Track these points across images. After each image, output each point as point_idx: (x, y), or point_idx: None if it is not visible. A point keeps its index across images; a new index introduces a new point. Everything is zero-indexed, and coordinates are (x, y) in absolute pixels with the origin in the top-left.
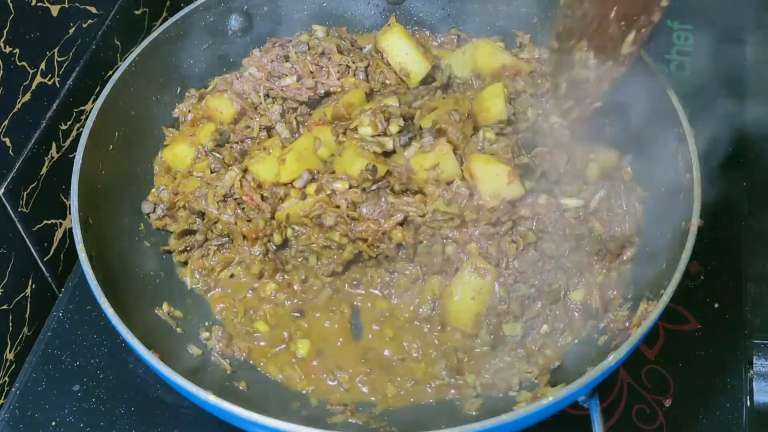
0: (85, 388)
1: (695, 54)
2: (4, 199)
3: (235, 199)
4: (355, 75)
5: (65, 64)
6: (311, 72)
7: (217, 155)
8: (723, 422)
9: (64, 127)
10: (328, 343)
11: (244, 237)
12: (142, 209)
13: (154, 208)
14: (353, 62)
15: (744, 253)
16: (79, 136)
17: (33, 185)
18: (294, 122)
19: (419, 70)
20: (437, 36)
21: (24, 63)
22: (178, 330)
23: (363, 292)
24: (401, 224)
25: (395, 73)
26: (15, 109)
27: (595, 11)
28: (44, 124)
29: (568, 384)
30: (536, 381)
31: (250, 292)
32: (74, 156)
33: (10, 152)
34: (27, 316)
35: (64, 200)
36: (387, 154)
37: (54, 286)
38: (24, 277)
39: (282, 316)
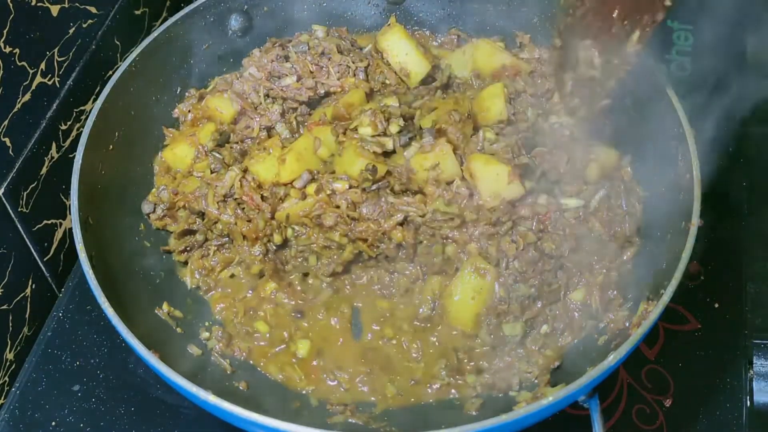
0: (85, 388)
1: (695, 54)
2: (4, 199)
3: (235, 199)
4: (355, 75)
5: (65, 64)
6: (311, 72)
7: (217, 155)
8: (723, 422)
9: (64, 127)
10: (328, 343)
11: (244, 237)
12: (142, 209)
13: (154, 208)
14: (353, 62)
15: (744, 253)
16: (79, 136)
17: (33, 185)
18: (294, 122)
19: (419, 70)
20: (437, 36)
21: (24, 63)
22: (178, 330)
23: (363, 292)
24: (401, 224)
25: (395, 73)
26: (15, 109)
27: (596, 11)
28: (44, 124)
29: (568, 384)
30: (536, 381)
31: (250, 292)
32: (74, 156)
33: (10, 152)
34: (27, 316)
35: (64, 200)
36: (387, 154)
37: (54, 286)
38: (24, 277)
39: (282, 316)
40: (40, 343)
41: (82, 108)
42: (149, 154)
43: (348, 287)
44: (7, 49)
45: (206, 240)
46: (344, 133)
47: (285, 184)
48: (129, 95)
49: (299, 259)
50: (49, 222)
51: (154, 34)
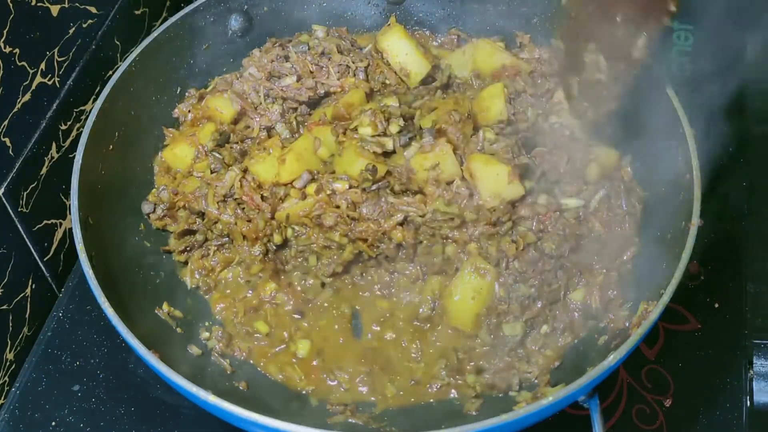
0: (85, 388)
1: (695, 54)
2: (4, 199)
3: (235, 199)
4: (355, 75)
5: (65, 64)
6: (311, 72)
7: (217, 155)
8: (723, 422)
9: (64, 127)
10: (329, 343)
11: (244, 237)
12: (142, 209)
13: (154, 208)
14: (353, 62)
15: (744, 253)
16: (79, 136)
17: (33, 185)
18: (294, 122)
19: (419, 70)
20: (437, 36)
21: (24, 63)
22: (178, 330)
23: (363, 292)
24: (401, 224)
25: (395, 73)
26: (15, 109)
27: (599, 14)
28: (44, 124)
29: (568, 384)
30: (536, 381)
31: (250, 292)
32: (74, 156)
33: (10, 152)
34: (27, 316)
35: (64, 200)
36: (387, 154)
37: (54, 286)
38: (24, 277)
39: (282, 316)
40: (40, 343)
41: (82, 108)
42: (149, 154)
43: (348, 287)
44: (7, 49)
45: (206, 240)
46: (344, 133)
47: (285, 184)
48: (129, 95)
49: (299, 260)
50: (49, 222)
51: (154, 34)
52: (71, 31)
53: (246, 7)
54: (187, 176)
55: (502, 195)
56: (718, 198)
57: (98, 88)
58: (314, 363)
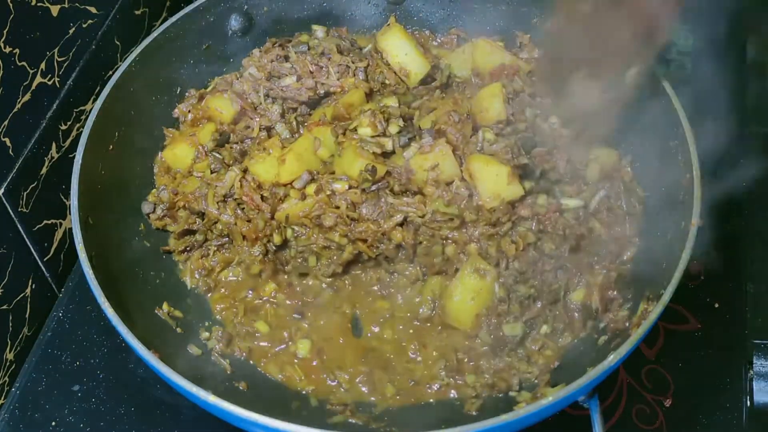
0: (85, 388)
1: (695, 54)
2: (4, 199)
3: (235, 199)
4: (354, 75)
5: (65, 64)
6: (311, 72)
7: (217, 155)
8: (723, 422)
9: (64, 127)
10: (329, 343)
11: (244, 237)
12: (142, 209)
13: (154, 208)
14: (353, 62)
15: (744, 253)
16: (79, 136)
17: (33, 185)
18: (294, 122)
19: (419, 70)
20: (437, 36)
21: (24, 63)
22: (178, 330)
23: (363, 292)
24: (401, 225)
25: (395, 73)
26: (15, 109)
27: (588, 44)
28: (44, 124)
29: (568, 384)
30: (536, 381)
31: (250, 292)
32: (74, 156)
33: (10, 152)
34: (27, 316)
35: (64, 200)
36: (386, 155)
37: (54, 286)
38: (24, 277)
39: (282, 316)
40: (40, 343)
41: (82, 108)
42: (149, 154)
43: (348, 287)
44: (7, 49)
45: (206, 240)
46: (344, 134)
47: (285, 185)
48: (129, 95)
49: (299, 260)
50: (49, 222)
51: (154, 34)
52: (71, 31)
53: (246, 7)
54: (187, 176)
55: (501, 195)
56: (718, 198)
57: (98, 88)
58: (314, 363)
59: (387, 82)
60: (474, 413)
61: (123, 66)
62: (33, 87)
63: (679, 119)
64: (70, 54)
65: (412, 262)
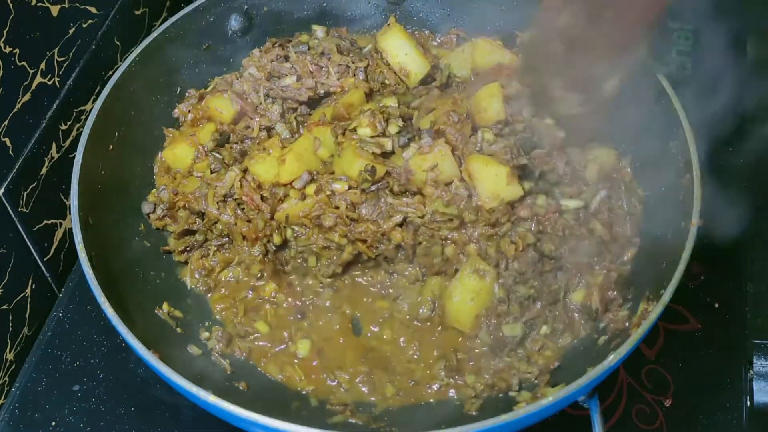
0: (85, 388)
1: (695, 54)
2: (4, 199)
3: (235, 199)
4: (354, 75)
5: (65, 64)
6: (311, 72)
7: (217, 155)
8: (723, 422)
9: (64, 127)
10: (329, 343)
11: (244, 237)
12: (142, 209)
13: (154, 208)
14: (353, 62)
15: (744, 253)
16: (79, 136)
17: (33, 185)
18: (294, 122)
19: (418, 70)
20: (437, 36)
21: (24, 63)
22: (178, 330)
23: (363, 292)
24: (400, 225)
25: (395, 73)
26: (15, 109)
27: (566, 56)
28: (44, 124)
29: (568, 384)
30: (536, 381)
31: (250, 292)
32: (74, 156)
33: (10, 152)
34: (27, 316)
35: (64, 200)
36: (386, 155)
37: (54, 286)
38: (24, 277)
39: (282, 316)
40: (40, 343)
41: (82, 108)
42: (149, 154)
43: (348, 288)
44: (7, 49)
45: (206, 240)
46: (343, 134)
47: (284, 185)
48: (129, 95)
49: (299, 260)
50: (49, 222)
51: (154, 34)
52: (71, 31)
53: (246, 7)
54: (187, 176)
55: (501, 196)
56: (718, 198)
57: (98, 88)
58: (314, 363)
59: (387, 82)
60: (474, 413)
61: (123, 66)
62: (33, 87)
63: (679, 119)
64: (70, 54)
65: (412, 263)
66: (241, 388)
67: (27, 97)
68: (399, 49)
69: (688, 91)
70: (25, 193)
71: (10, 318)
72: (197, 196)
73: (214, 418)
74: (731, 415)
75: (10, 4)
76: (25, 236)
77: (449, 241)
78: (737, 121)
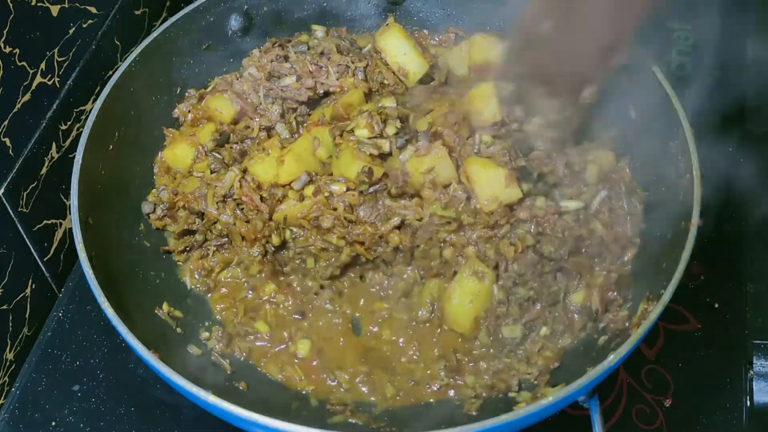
0: (85, 388)
1: (695, 54)
2: (4, 199)
3: (235, 199)
4: (354, 75)
5: (65, 64)
6: (311, 72)
7: (217, 155)
8: (723, 422)
9: (64, 127)
10: (329, 343)
11: (243, 238)
12: (142, 209)
13: (154, 208)
14: (352, 62)
15: (744, 253)
16: (79, 136)
17: (33, 185)
18: (294, 122)
19: (417, 70)
20: (436, 36)
21: (24, 63)
22: (178, 330)
23: (361, 294)
24: (398, 228)
25: (393, 73)
26: (15, 109)
27: (544, 65)
28: (44, 124)
29: (568, 384)
30: (536, 382)
31: (250, 292)
32: (74, 156)
33: (10, 152)
34: (27, 316)
35: (64, 200)
36: (384, 157)
37: (54, 286)
38: (24, 277)
39: (282, 317)
40: (40, 343)
41: (82, 108)
42: (149, 154)
43: (347, 289)
44: (7, 49)
45: (206, 240)
46: (341, 135)
47: (283, 186)
48: (129, 95)
49: (297, 261)
50: (49, 222)
51: (154, 34)
52: (71, 31)
53: (246, 7)
54: (187, 176)
55: (499, 198)
56: (718, 198)
57: (98, 88)
58: (314, 363)
59: (386, 82)
60: (474, 413)
61: (123, 66)
62: (33, 87)
63: (679, 119)
64: (70, 54)
65: (410, 265)
66: (241, 388)
67: (27, 97)
68: (397, 48)
69: (688, 91)
70: (25, 193)
71: (10, 318)
72: (197, 196)
73: (214, 418)
74: (731, 415)
75: (10, 4)
76: (25, 236)
77: (447, 244)
78: (737, 121)
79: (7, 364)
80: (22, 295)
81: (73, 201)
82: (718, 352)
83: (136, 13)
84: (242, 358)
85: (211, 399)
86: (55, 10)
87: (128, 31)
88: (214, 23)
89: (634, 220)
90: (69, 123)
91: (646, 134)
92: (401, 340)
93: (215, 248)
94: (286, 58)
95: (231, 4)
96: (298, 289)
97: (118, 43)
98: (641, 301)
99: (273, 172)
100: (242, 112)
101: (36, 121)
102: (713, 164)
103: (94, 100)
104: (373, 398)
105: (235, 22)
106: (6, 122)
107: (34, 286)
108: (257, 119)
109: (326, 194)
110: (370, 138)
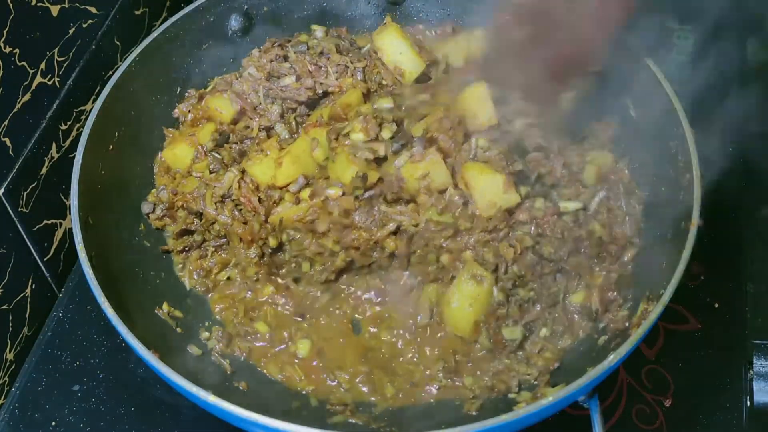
0: (85, 388)
1: (695, 54)
2: (4, 199)
3: (233, 200)
4: (353, 75)
5: (65, 64)
6: (310, 72)
7: (217, 155)
8: (723, 422)
9: (64, 127)
10: (329, 343)
11: (241, 239)
12: (142, 209)
13: (154, 208)
14: (352, 62)
15: (744, 253)
16: (79, 136)
17: (33, 185)
18: (293, 123)
19: (413, 69)
20: (434, 30)
21: (24, 63)
22: (178, 330)
23: (359, 298)
24: (394, 233)
25: (391, 72)
26: (15, 109)
27: (521, 71)
28: (44, 124)
29: (568, 384)
30: (536, 382)
31: (250, 293)
32: (74, 156)
33: (10, 152)
34: (27, 316)
35: (64, 200)
36: (379, 161)
37: (54, 286)
38: (24, 277)
39: (282, 317)
40: (40, 343)
41: (82, 108)
42: (149, 154)
43: (344, 293)
44: (7, 49)
45: (204, 241)
46: (336, 139)
47: (280, 188)
48: (129, 95)
49: (293, 264)
50: (49, 222)
51: (154, 34)
52: (71, 31)
53: (246, 7)
54: (186, 176)
55: (498, 204)
56: (718, 198)
57: (98, 88)
58: (314, 363)
59: (384, 82)
60: (474, 413)
61: (123, 66)
62: (33, 87)
63: (679, 119)
64: (70, 54)
65: (407, 271)
66: (241, 388)
67: (27, 97)
68: (394, 48)
69: (688, 91)
70: (25, 193)
71: (10, 318)
72: (195, 196)
73: (214, 418)
74: (731, 415)
75: (10, 4)
76: (25, 236)
77: (444, 250)
78: (737, 121)
79: (7, 364)
80: (22, 295)
81: (73, 201)
82: (718, 352)
83: (136, 13)
84: (242, 358)
85: (211, 399)
86: (55, 10)
87: (128, 31)
88: (214, 23)
89: (632, 220)
90: (69, 123)
91: (646, 134)
92: (399, 343)
93: (214, 249)
94: (286, 58)
95: (231, 4)
96: (299, 288)
97: (118, 43)
98: (641, 301)
99: (270, 173)
100: (242, 112)
101: (36, 121)
102: (713, 164)
103: (94, 100)
104: (373, 398)
105: (235, 22)
106: (6, 122)
107: (34, 286)
108: (257, 119)
109: (323, 198)
110: (365, 142)
